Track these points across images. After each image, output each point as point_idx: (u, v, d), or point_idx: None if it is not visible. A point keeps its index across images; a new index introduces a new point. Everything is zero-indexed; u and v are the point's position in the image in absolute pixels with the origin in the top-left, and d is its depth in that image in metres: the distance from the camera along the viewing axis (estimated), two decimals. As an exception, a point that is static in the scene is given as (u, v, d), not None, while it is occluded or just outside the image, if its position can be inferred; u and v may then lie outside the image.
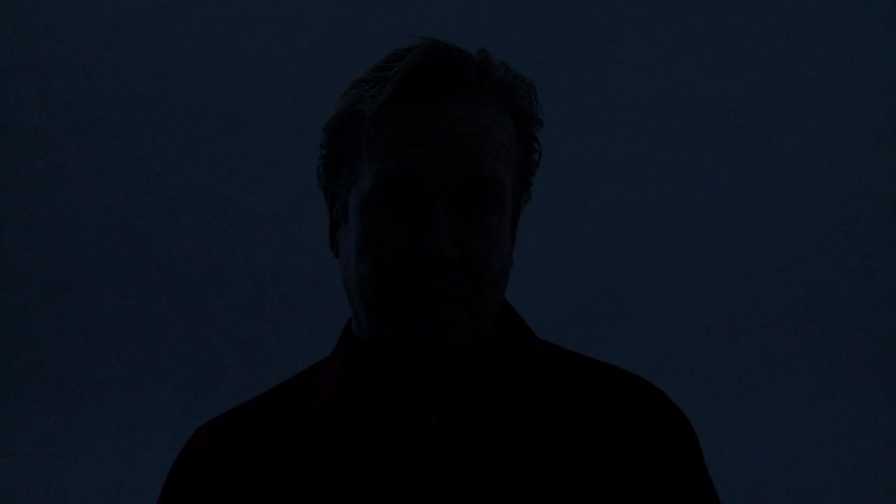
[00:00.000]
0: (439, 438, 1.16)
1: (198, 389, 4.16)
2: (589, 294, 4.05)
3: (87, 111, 4.30)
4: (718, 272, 4.03)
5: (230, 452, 1.20)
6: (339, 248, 1.21)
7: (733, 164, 4.06)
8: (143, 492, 3.91)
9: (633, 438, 1.20)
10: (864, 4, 4.04)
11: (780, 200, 4.04)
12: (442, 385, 1.18)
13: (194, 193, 4.25)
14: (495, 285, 1.16)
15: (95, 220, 4.27)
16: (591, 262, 4.06)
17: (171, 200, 4.26)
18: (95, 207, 4.27)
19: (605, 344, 3.88)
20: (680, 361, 3.96)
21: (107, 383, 4.20)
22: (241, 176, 4.24)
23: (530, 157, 1.21)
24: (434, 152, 1.13)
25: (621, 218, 4.07)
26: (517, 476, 1.16)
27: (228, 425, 1.23)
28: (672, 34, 4.12)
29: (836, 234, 4.00)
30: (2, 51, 4.34)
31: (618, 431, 1.20)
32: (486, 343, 1.20)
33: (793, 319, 3.99)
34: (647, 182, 4.08)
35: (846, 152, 4.02)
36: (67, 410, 4.20)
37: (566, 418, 1.20)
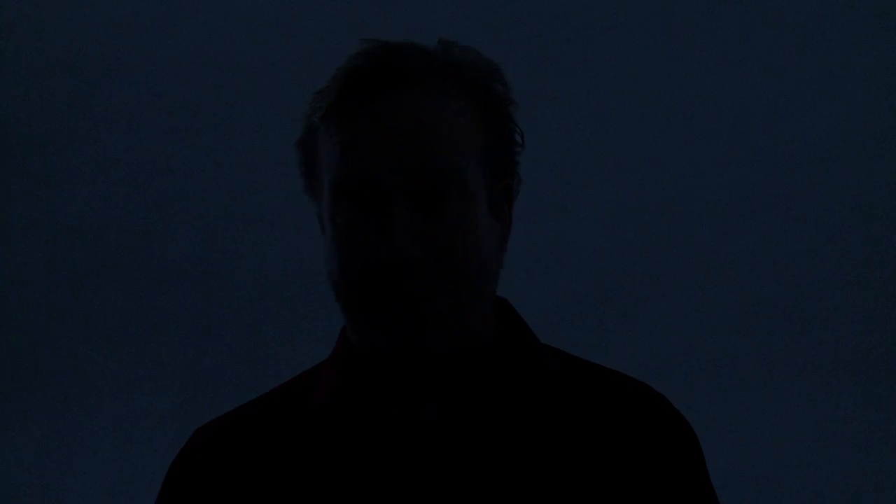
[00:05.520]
0: (438, 438, 1.16)
1: (198, 390, 4.16)
2: (588, 294, 4.05)
3: (87, 111, 4.30)
4: (718, 272, 4.03)
5: (228, 453, 1.20)
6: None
7: (733, 164, 4.06)
8: (142, 492, 3.90)
9: (635, 442, 1.19)
10: (864, 4, 4.04)
11: (781, 200, 4.04)
12: (440, 384, 1.18)
13: (194, 193, 4.25)
14: (478, 275, 1.14)
15: (95, 221, 4.27)
16: (591, 262, 4.06)
17: (171, 200, 4.26)
18: (95, 207, 4.27)
19: (605, 344, 3.88)
20: (680, 361, 3.96)
21: (107, 383, 4.20)
22: (240, 176, 4.24)
23: (505, 137, 1.19)
24: (381, 152, 1.12)
25: (621, 218, 4.07)
26: (516, 476, 1.15)
27: (227, 426, 1.23)
28: (672, 34, 4.12)
29: (837, 234, 4.00)
30: (2, 51, 4.34)
31: (619, 435, 1.19)
32: (484, 342, 1.20)
33: (793, 319, 3.99)
34: (647, 182, 4.08)
35: (846, 152, 4.02)
36: (67, 410, 4.20)
37: (567, 420, 1.19)
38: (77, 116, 4.30)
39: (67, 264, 4.26)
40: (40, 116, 4.31)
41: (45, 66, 4.31)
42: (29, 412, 4.21)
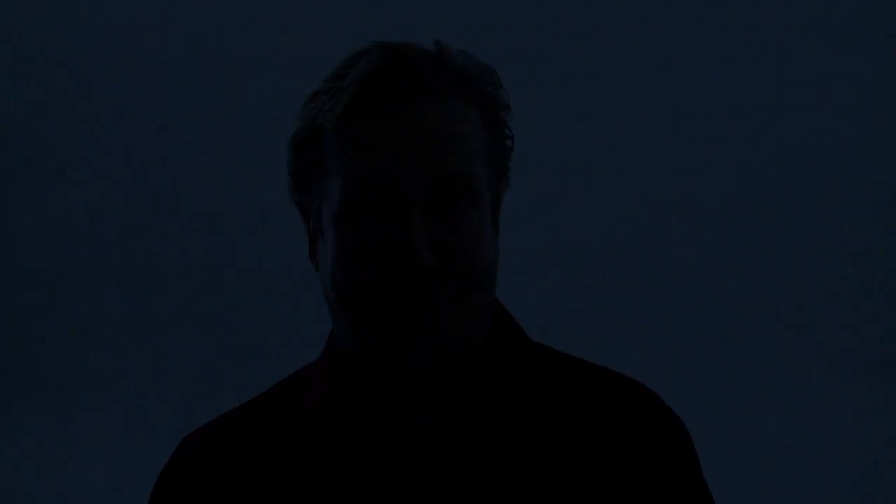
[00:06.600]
0: (431, 443, 1.16)
1: (198, 390, 4.16)
2: (588, 294, 4.05)
3: (88, 111, 4.30)
4: (718, 272, 4.03)
5: (217, 460, 1.19)
6: (319, 261, 1.19)
7: (733, 164, 4.06)
8: (142, 492, 3.90)
9: (626, 441, 1.19)
10: (864, 4, 4.04)
11: (780, 200, 4.04)
12: (433, 388, 1.17)
13: (194, 193, 4.25)
14: (486, 282, 1.14)
15: (95, 220, 4.26)
16: (591, 262, 4.06)
17: (171, 200, 4.26)
18: (95, 207, 4.27)
19: (605, 344, 3.88)
20: (680, 361, 3.96)
21: (107, 384, 4.20)
22: (240, 176, 4.23)
23: (501, 143, 1.18)
24: (401, 158, 1.10)
25: (620, 218, 4.07)
26: (510, 479, 1.15)
27: (216, 432, 1.22)
28: (672, 34, 4.11)
29: (837, 233, 4.00)
30: (2, 51, 4.34)
31: (611, 434, 1.19)
32: (477, 344, 1.19)
33: (793, 320, 3.98)
34: (647, 182, 4.08)
35: (846, 152, 4.02)
36: (67, 411, 4.19)
37: (559, 421, 1.18)
38: (77, 116, 4.30)
39: (67, 264, 4.26)
40: (40, 116, 4.31)
41: (45, 66, 4.31)
42: (29, 412, 4.21)
